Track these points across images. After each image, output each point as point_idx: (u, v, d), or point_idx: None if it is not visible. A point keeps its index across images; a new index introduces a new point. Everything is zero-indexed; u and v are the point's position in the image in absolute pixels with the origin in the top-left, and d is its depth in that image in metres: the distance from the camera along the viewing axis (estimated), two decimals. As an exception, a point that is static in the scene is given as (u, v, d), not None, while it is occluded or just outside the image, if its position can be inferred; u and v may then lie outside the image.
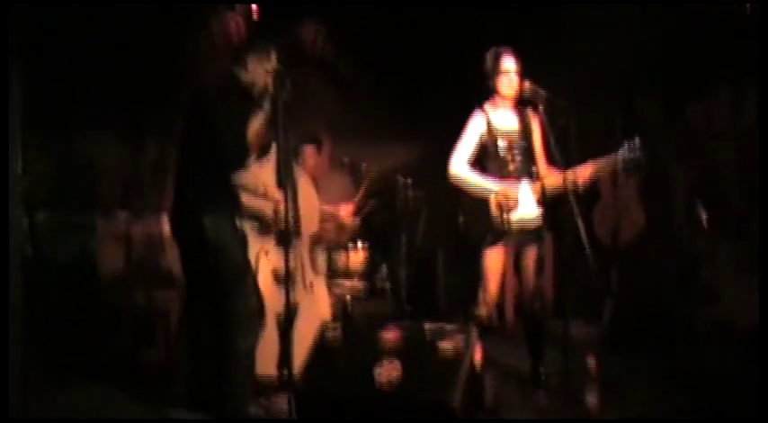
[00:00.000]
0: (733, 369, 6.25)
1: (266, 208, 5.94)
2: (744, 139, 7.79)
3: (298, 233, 5.88)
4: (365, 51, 9.13)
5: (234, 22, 5.50)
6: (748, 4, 6.76)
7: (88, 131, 7.69)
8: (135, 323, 7.26)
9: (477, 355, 5.10)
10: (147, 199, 7.24)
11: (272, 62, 5.55)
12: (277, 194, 5.76)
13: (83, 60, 7.44)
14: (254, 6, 5.79)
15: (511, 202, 5.89)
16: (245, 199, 5.69)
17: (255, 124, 5.39)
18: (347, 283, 7.55)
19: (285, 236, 5.36)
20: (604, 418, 5.52)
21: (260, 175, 5.80)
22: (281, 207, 5.66)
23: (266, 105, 5.64)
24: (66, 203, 7.48)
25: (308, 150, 7.72)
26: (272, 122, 5.78)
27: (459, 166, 6.01)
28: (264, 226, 5.97)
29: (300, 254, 5.95)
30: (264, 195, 5.74)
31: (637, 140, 5.79)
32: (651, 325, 7.58)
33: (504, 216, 5.89)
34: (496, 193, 5.90)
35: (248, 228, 5.76)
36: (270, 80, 5.50)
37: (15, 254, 5.09)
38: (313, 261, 6.87)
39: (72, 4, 7.18)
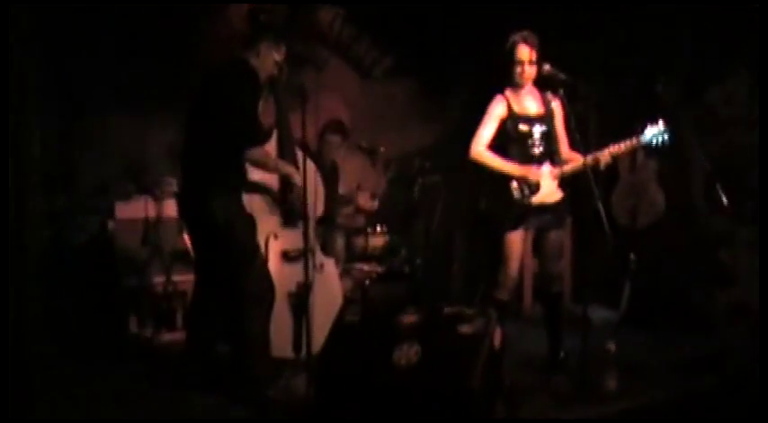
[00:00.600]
0: (751, 352, 6.23)
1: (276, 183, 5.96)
2: (758, 125, 7.76)
3: (307, 215, 5.91)
4: (384, 34, 9.12)
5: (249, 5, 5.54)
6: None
7: (106, 114, 7.69)
8: (154, 306, 7.28)
9: (497, 339, 5.08)
10: (164, 181, 7.23)
11: (281, 53, 5.61)
12: (288, 168, 5.78)
13: (100, 44, 7.45)
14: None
15: (532, 186, 5.88)
16: (257, 174, 5.73)
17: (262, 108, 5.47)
18: (366, 266, 7.54)
19: (301, 214, 5.44)
20: (623, 402, 5.51)
21: (271, 152, 5.82)
22: (295, 180, 5.72)
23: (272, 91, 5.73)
24: (84, 187, 7.50)
25: (333, 140, 7.74)
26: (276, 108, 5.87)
27: (480, 149, 5.99)
28: (274, 202, 5.97)
29: (308, 235, 5.95)
30: (276, 169, 5.74)
31: (661, 123, 5.78)
32: (669, 308, 7.57)
33: (525, 199, 5.88)
34: (517, 177, 5.89)
35: (257, 210, 5.76)
36: (276, 70, 5.58)
37: (34, 238, 5.11)
38: (324, 243, 6.88)
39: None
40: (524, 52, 5.91)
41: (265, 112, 5.75)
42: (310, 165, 6.01)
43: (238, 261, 5.41)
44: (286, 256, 5.99)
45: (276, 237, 5.95)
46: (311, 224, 6.06)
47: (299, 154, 5.99)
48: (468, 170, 6.11)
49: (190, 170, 5.55)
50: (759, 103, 7.19)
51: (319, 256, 6.34)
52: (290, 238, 6.00)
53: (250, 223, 5.63)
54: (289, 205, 5.99)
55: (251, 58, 5.51)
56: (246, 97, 5.38)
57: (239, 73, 5.44)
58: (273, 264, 5.88)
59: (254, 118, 5.42)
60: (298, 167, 5.79)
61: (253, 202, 5.73)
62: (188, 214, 5.66)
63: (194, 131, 5.50)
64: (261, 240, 5.80)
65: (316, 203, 6.16)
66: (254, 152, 5.47)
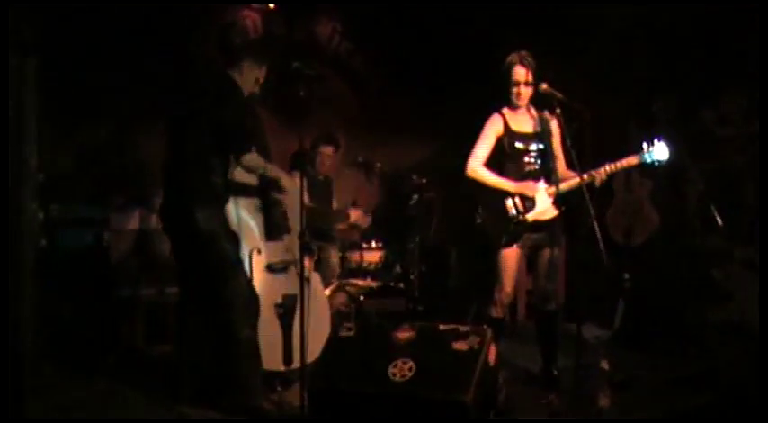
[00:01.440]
0: (746, 370, 6.24)
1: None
2: (758, 141, 7.79)
3: (288, 229, 5.93)
4: (381, 49, 9.15)
5: (250, 20, 5.56)
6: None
7: (101, 126, 7.72)
8: (146, 317, 7.29)
9: (491, 355, 5.10)
10: (158, 192, 7.26)
11: (263, 72, 5.66)
12: (279, 172, 5.85)
13: (95, 55, 7.47)
14: (271, 5, 5.86)
15: (527, 202, 5.90)
16: (247, 178, 5.78)
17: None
18: (360, 281, 7.55)
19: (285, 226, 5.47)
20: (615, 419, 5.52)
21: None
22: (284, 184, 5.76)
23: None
24: (80, 198, 7.50)
25: (326, 150, 7.75)
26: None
27: (476, 165, 6.02)
28: (258, 214, 5.99)
29: (292, 249, 5.96)
30: (268, 173, 5.76)
31: (658, 142, 5.83)
32: (663, 326, 7.58)
33: (521, 216, 5.90)
34: (513, 193, 5.91)
35: (242, 222, 5.78)
36: (257, 89, 5.63)
37: (29, 248, 5.10)
38: (314, 258, 6.89)
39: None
40: (521, 73, 5.95)
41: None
42: (292, 179, 6.03)
43: (221, 272, 5.42)
44: (270, 269, 5.98)
45: (259, 252, 5.95)
46: (295, 238, 6.06)
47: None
48: (463, 186, 6.13)
49: (173, 183, 5.57)
50: (759, 108, 7.21)
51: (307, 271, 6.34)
52: (274, 251, 6.01)
53: (233, 235, 5.65)
54: (271, 218, 6.01)
55: (234, 74, 5.56)
56: (235, 107, 5.45)
57: (226, 86, 5.50)
58: (258, 276, 5.88)
59: (243, 125, 5.50)
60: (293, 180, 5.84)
61: (237, 215, 5.74)
62: (171, 226, 5.67)
63: (177, 144, 5.51)
64: (245, 252, 5.82)
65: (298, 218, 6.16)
66: (249, 157, 5.51)
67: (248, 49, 5.73)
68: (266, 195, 5.98)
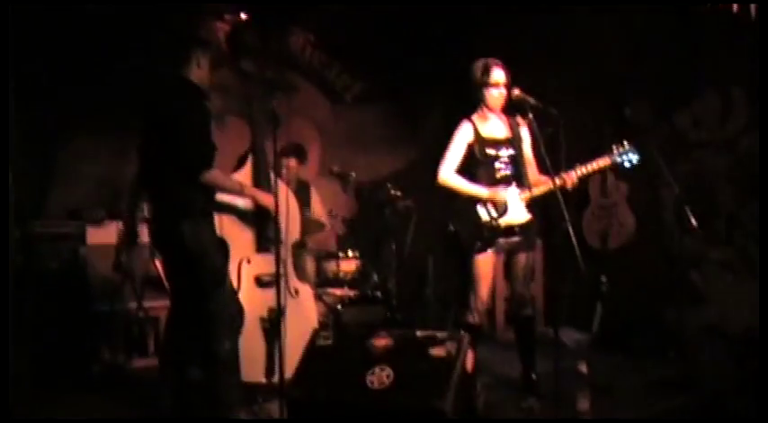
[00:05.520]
0: (724, 372, 6.27)
1: (246, 205, 5.94)
2: (732, 144, 7.84)
3: (279, 240, 5.90)
4: (354, 60, 9.17)
5: (222, 32, 5.52)
6: (735, 5, 6.78)
7: (74, 141, 7.70)
8: (125, 332, 7.26)
9: (469, 362, 5.10)
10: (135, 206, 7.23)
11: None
12: (253, 190, 5.80)
13: (67, 69, 7.45)
14: (243, 15, 5.82)
15: (500, 208, 5.91)
16: (229, 198, 5.74)
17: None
18: (338, 291, 7.54)
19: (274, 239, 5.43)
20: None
21: (245, 179, 5.81)
22: (262, 201, 5.72)
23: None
24: (55, 213, 7.48)
25: (289, 163, 7.72)
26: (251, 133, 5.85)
27: (448, 173, 6.02)
28: (247, 226, 5.97)
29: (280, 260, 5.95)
30: (239, 192, 5.70)
31: (626, 144, 5.86)
32: (642, 329, 7.60)
33: (494, 222, 5.91)
34: (485, 199, 5.92)
35: (230, 234, 5.76)
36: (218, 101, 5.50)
37: (5, 264, 5.08)
38: (298, 268, 6.87)
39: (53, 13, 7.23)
40: (500, 75, 5.95)
41: (240, 137, 5.72)
42: (285, 189, 6.01)
43: (208, 285, 5.38)
44: (259, 282, 5.98)
45: (249, 261, 5.94)
46: (286, 249, 6.05)
47: (272, 178, 5.97)
48: (438, 194, 6.14)
49: (156, 199, 5.52)
50: (758, 106, 7.24)
51: (294, 282, 6.32)
52: (264, 263, 5.98)
53: (221, 247, 5.61)
54: (262, 230, 5.99)
55: (191, 71, 5.41)
56: (193, 117, 5.26)
57: (181, 92, 5.33)
58: (246, 288, 5.88)
59: (205, 137, 5.29)
60: (275, 193, 5.74)
61: (225, 227, 5.72)
62: (159, 239, 5.64)
63: (152, 156, 5.44)
64: (233, 265, 5.81)
65: (290, 228, 6.10)
66: (209, 175, 5.27)
67: (199, 38, 5.44)
68: (258, 206, 5.96)
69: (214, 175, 5.32)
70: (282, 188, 5.98)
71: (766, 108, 6.81)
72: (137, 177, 5.99)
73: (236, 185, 5.66)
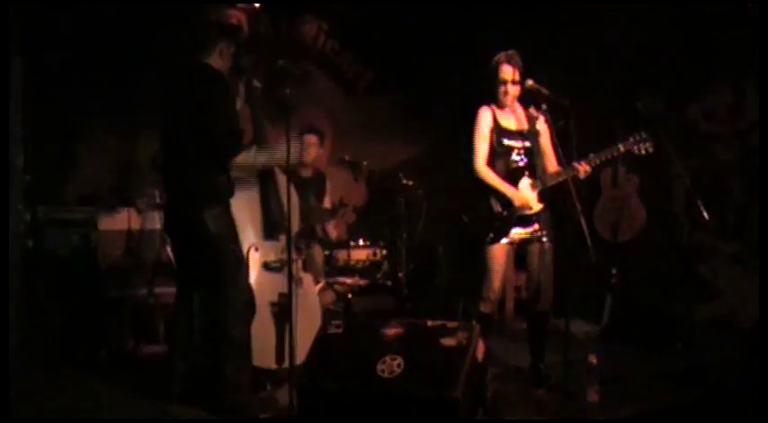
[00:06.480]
0: (733, 365, 6.26)
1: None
2: (744, 137, 7.82)
3: (282, 229, 5.91)
4: (367, 48, 9.15)
5: (236, 19, 5.52)
6: (750, 3, 6.77)
7: (88, 126, 7.70)
8: (135, 318, 7.27)
9: (479, 351, 5.10)
10: (147, 193, 7.24)
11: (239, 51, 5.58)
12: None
13: (79, 56, 7.46)
14: (257, 5, 5.82)
15: (516, 202, 5.91)
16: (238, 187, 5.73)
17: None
18: (348, 279, 7.54)
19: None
20: (605, 415, 5.52)
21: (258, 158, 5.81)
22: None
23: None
24: (67, 199, 7.49)
25: (311, 139, 7.70)
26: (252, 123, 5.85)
27: (482, 165, 6.01)
28: (255, 213, 5.98)
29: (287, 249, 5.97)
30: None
31: (642, 133, 5.88)
32: (651, 321, 7.59)
33: (505, 212, 5.91)
34: (507, 197, 5.92)
35: (239, 221, 5.77)
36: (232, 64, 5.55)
37: (16, 249, 5.10)
38: (302, 257, 6.88)
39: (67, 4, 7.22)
40: (508, 72, 5.96)
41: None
42: (285, 181, 6.01)
43: (226, 271, 5.40)
44: (266, 267, 5.99)
45: (257, 248, 5.95)
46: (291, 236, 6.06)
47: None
48: (450, 184, 6.13)
49: (176, 186, 5.52)
50: (759, 105, 7.23)
51: (299, 270, 6.33)
52: (271, 250, 6.01)
53: (237, 234, 5.63)
54: (271, 216, 6.00)
55: (212, 60, 5.48)
56: (222, 100, 5.36)
57: (208, 78, 5.39)
58: (254, 275, 5.89)
59: (235, 122, 5.40)
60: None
61: (235, 214, 5.72)
62: (175, 226, 5.65)
63: (175, 148, 5.47)
64: (243, 250, 5.81)
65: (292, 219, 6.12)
66: (243, 157, 5.48)
67: (221, 26, 5.52)
68: (265, 193, 5.97)
69: (243, 157, 5.48)
70: (282, 179, 6.00)
71: (766, 108, 6.80)
72: (152, 164, 6.01)
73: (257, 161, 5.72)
